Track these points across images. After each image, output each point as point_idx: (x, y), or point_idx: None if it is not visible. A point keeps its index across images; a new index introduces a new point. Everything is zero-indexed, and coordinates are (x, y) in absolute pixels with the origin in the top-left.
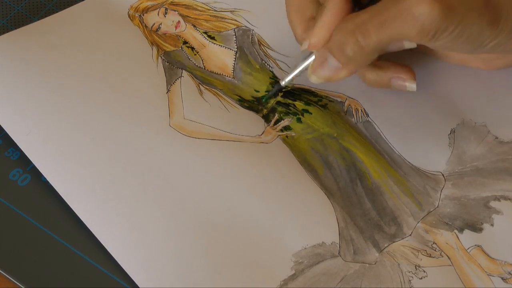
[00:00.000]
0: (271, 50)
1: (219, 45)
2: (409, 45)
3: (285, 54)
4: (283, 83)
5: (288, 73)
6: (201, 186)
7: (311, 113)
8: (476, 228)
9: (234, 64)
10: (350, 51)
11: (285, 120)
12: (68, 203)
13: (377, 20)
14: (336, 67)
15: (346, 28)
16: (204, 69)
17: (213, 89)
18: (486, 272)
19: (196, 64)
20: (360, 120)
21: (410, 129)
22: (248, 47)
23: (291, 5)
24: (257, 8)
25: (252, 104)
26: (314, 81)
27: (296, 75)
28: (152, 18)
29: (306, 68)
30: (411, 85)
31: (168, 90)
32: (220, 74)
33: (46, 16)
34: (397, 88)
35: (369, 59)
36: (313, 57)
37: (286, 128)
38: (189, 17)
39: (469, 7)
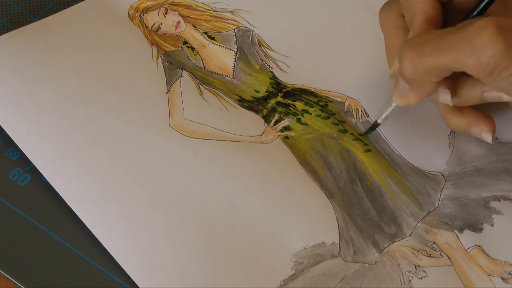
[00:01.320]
0: (271, 50)
1: (219, 45)
2: (507, 98)
3: (285, 55)
4: (379, 120)
5: (384, 110)
6: (201, 186)
7: (311, 114)
8: (476, 228)
9: (234, 64)
10: (405, 70)
11: (285, 120)
12: (68, 203)
13: (436, 43)
14: (404, 88)
15: (407, 44)
16: (204, 69)
17: (213, 89)
18: (486, 272)
19: (196, 64)
20: (360, 120)
21: (410, 129)
22: (248, 47)
23: (386, 34)
24: (257, 9)
25: (252, 105)
26: (397, 103)
27: (392, 110)
28: (152, 18)
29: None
30: (487, 136)
31: (168, 90)
32: (220, 74)
33: (46, 16)
34: (474, 136)
35: (426, 82)
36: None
37: (286, 128)
38: (189, 17)
39: None
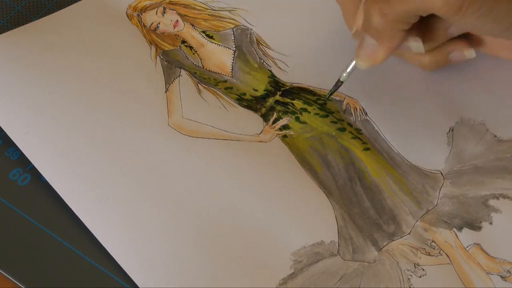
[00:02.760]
0: (270, 49)
1: (218, 44)
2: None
3: (284, 53)
4: (342, 78)
5: (346, 68)
6: (200, 185)
7: (310, 112)
8: (475, 226)
9: (233, 63)
10: (375, 21)
11: (283, 119)
12: (67, 203)
13: None
14: (372, 45)
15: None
16: (203, 68)
17: (212, 88)
18: (485, 270)
19: (194, 63)
20: (359, 119)
21: (409, 127)
22: (247, 46)
23: (342, 3)
24: (255, 7)
25: (251, 103)
26: (361, 66)
27: (353, 68)
28: (150, 17)
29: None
30: (470, 52)
31: (167, 89)
32: (218, 73)
33: (45, 16)
34: (457, 62)
35: (396, 31)
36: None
37: (285, 127)
38: (188, 16)
39: None
